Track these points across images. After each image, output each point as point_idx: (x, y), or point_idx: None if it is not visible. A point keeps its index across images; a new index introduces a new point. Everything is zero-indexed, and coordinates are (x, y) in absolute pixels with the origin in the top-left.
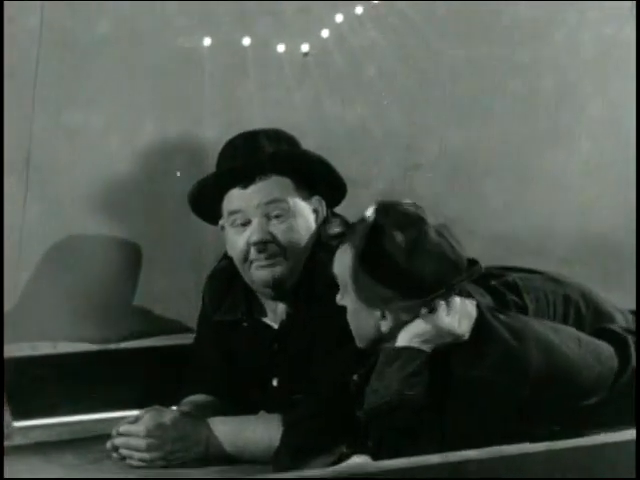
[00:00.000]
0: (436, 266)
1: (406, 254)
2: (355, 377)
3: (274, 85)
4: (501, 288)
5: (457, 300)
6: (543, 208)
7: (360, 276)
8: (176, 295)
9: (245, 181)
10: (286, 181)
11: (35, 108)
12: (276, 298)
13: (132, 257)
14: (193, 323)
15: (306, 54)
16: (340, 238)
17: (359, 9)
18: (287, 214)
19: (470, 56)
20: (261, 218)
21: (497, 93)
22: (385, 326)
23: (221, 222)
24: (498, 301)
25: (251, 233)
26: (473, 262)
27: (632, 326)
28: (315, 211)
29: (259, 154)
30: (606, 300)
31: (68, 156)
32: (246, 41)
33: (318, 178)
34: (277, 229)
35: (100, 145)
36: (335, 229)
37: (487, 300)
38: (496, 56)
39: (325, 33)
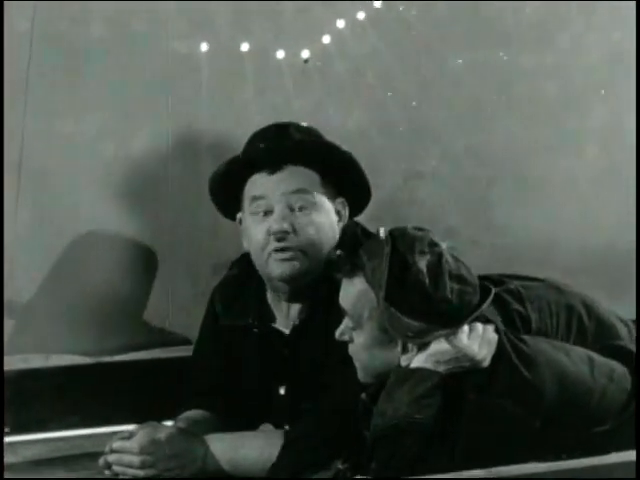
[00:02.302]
0: (461, 290)
1: (431, 281)
2: (363, 396)
3: (273, 92)
4: (504, 295)
5: (479, 325)
6: (547, 217)
7: (385, 310)
8: (173, 306)
9: (272, 166)
10: (313, 174)
11: (27, 113)
12: (291, 296)
13: (129, 268)
14: (190, 335)
15: (306, 60)
16: (343, 265)
17: (361, 14)
18: (311, 207)
19: (473, 61)
20: (284, 208)
21: (500, 99)
22: (406, 360)
23: (239, 215)
24: (502, 310)
25: (272, 222)
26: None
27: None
28: (338, 213)
29: (289, 141)
30: (609, 310)
31: (60, 163)
32: (244, 47)
33: (345, 176)
34: (299, 221)
35: (93, 152)
36: (341, 257)
37: (490, 309)
38: (499, 61)
39: (326, 39)
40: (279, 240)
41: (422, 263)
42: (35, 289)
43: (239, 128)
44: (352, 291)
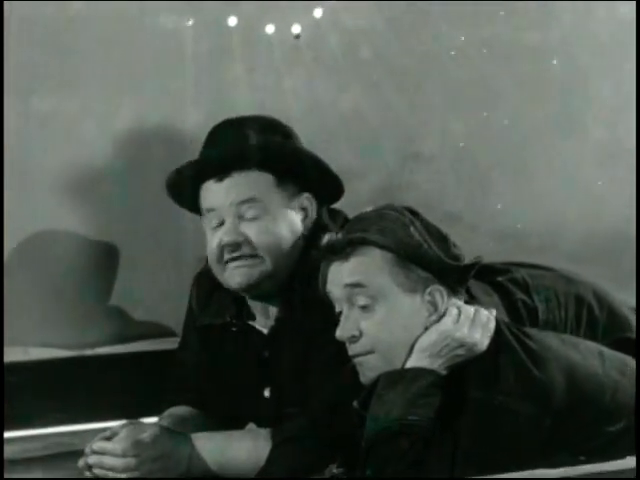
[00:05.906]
0: (455, 247)
1: (435, 243)
2: (355, 404)
3: (263, 69)
4: (508, 285)
5: (470, 308)
6: (551, 201)
7: (398, 263)
8: (157, 296)
9: (221, 173)
10: (267, 177)
11: (3, 92)
12: (257, 300)
13: (109, 254)
14: (176, 327)
15: (297, 36)
16: (340, 245)
17: None
18: (264, 215)
19: (474, 37)
20: (234, 218)
21: (503, 78)
22: (432, 321)
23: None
24: (506, 300)
25: (223, 234)
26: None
27: None
28: (303, 209)
29: (239, 145)
30: (621, 301)
31: (39, 144)
32: (232, 21)
33: (308, 177)
34: (250, 230)
35: (74, 132)
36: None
37: (494, 299)
38: (502, 38)
39: (318, 13)
40: (232, 251)
41: (417, 225)
42: (11, 276)
43: (226, 107)
44: (363, 262)
